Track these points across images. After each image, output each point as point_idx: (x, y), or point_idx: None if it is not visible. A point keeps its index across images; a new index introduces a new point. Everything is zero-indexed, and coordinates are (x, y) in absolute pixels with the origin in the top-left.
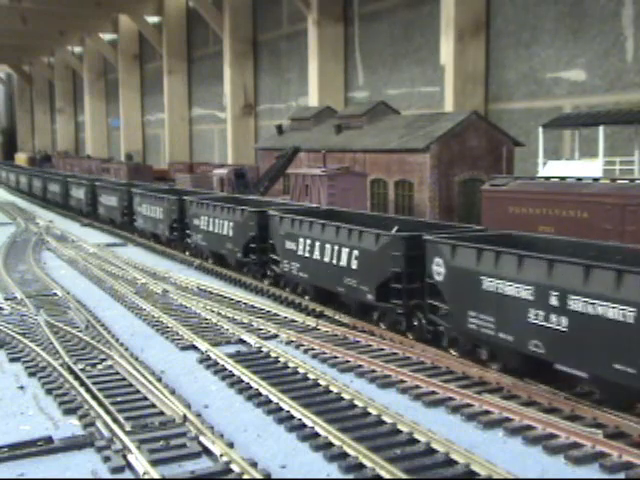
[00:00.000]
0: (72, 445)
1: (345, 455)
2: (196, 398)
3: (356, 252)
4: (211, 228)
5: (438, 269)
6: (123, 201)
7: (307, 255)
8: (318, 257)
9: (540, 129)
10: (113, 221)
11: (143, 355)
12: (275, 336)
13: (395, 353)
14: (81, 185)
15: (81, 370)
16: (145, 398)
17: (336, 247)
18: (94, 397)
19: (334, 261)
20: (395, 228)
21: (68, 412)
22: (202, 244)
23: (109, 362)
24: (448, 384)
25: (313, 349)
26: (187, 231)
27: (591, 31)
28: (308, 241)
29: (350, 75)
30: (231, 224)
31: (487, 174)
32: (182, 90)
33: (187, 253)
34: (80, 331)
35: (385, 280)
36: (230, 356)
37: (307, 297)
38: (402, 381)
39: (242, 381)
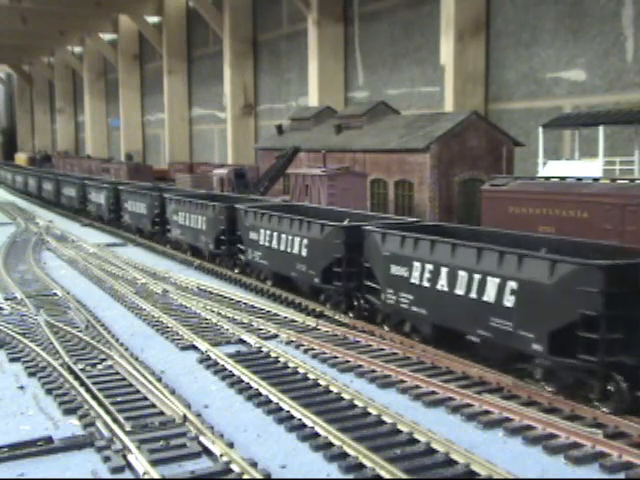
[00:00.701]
0: (72, 445)
1: (345, 455)
2: (196, 398)
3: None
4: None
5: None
6: (153, 208)
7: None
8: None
9: (540, 129)
10: (140, 230)
11: (143, 355)
12: (275, 336)
13: (395, 353)
14: (101, 189)
15: (81, 370)
16: (145, 398)
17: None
18: (94, 397)
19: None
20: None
21: (68, 412)
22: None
23: (109, 362)
24: (448, 384)
25: (313, 349)
26: (239, 247)
27: (591, 31)
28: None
29: (350, 75)
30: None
31: (487, 174)
32: (182, 90)
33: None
34: (80, 331)
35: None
36: (230, 356)
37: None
38: (402, 381)
39: (242, 381)
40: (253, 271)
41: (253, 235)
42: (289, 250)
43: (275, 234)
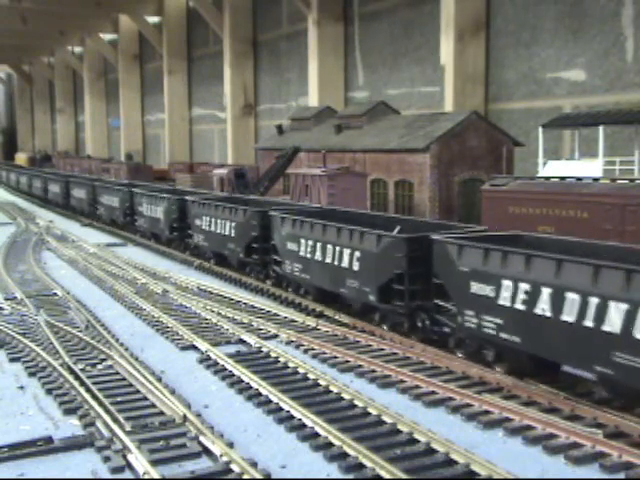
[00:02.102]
0: (72, 445)
1: (345, 455)
2: (196, 398)
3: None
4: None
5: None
6: (171, 213)
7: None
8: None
9: (540, 129)
10: (157, 237)
11: (143, 355)
12: (275, 336)
13: (395, 353)
14: (113, 191)
15: (81, 370)
16: (145, 398)
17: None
18: (94, 397)
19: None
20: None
21: (68, 412)
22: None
23: (109, 362)
24: (448, 384)
25: (313, 349)
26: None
27: (591, 31)
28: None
29: (350, 75)
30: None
31: (487, 174)
32: (182, 90)
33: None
34: (80, 331)
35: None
36: (230, 356)
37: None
38: (402, 381)
39: (242, 381)
40: (290, 284)
41: (291, 245)
42: (337, 263)
43: (319, 245)
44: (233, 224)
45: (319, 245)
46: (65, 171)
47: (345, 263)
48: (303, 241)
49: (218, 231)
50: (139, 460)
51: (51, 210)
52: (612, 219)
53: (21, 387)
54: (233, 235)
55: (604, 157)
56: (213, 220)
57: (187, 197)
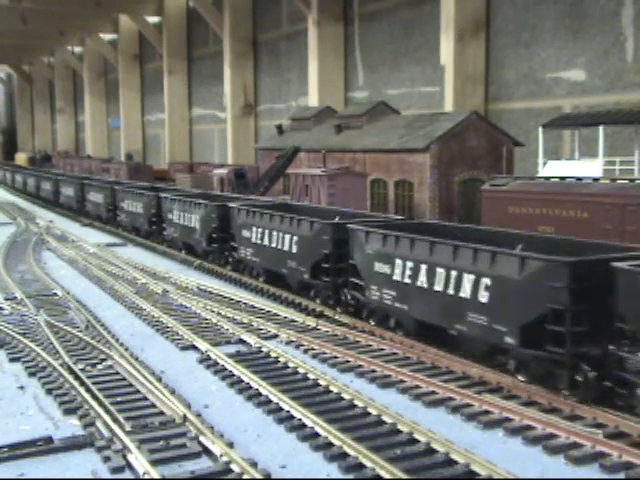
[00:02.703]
0: (72, 445)
1: (345, 455)
2: (196, 398)
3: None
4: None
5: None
6: (211, 222)
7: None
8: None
9: (540, 129)
10: (191, 248)
11: (143, 355)
12: (275, 336)
13: (395, 353)
14: (136, 196)
15: (81, 370)
16: (145, 398)
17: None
18: (94, 397)
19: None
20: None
21: (68, 412)
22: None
23: (109, 362)
24: (448, 384)
25: (313, 349)
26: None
27: (591, 31)
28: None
29: (350, 75)
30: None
31: (487, 174)
32: (182, 90)
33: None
34: (80, 331)
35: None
36: (230, 356)
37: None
38: (402, 381)
39: (242, 381)
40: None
41: (382, 267)
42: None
43: (424, 267)
44: (295, 238)
45: (424, 267)
46: (65, 171)
47: (467, 293)
48: (399, 261)
49: (273, 245)
50: (139, 460)
51: (51, 210)
52: (612, 219)
53: (21, 387)
54: (295, 251)
55: (604, 157)
56: (267, 232)
57: (230, 204)
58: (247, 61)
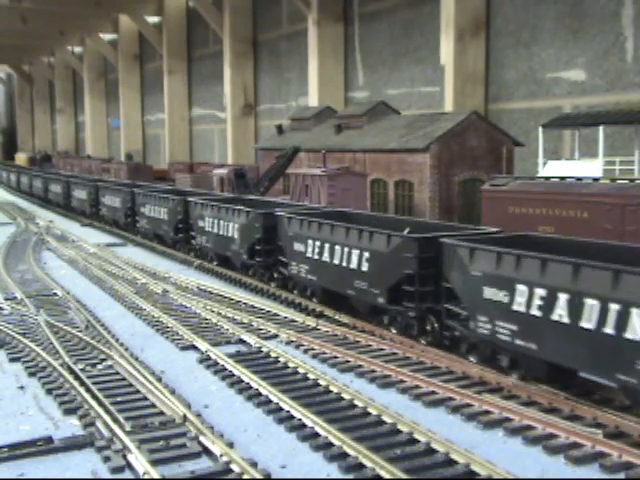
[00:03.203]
0: (72, 445)
1: (345, 455)
2: (196, 398)
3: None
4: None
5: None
6: (253, 232)
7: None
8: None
9: (540, 129)
10: (227, 259)
11: (143, 355)
12: (275, 336)
13: (395, 353)
14: (160, 201)
15: (81, 370)
16: (145, 398)
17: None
18: (94, 397)
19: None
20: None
21: (68, 412)
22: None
23: (109, 362)
24: (448, 384)
25: (313, 349)
26: None
27: (591, 31)
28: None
29: (350, 75)
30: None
31: (487, 174)
32: (182, 90)
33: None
34: (80, 331)
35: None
36: (230, 356)
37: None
38: (402, 381)
39: (242, 381)
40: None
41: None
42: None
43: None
44: (365, 255)
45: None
46: (68, 172)
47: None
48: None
49: (335, 262)
50: (139, 460)
51: (52, 210)
52: (612, 219)
53: (21, 387)
54: (365, 270)
55: (604, 157)
56: (327, 246)
57: (278, 212)
58: (247, 61)
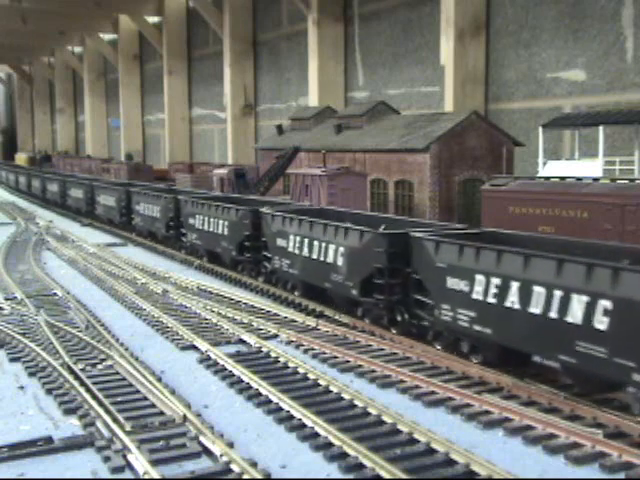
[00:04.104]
0: (72, 445)
1: (345, 455)
2: (196, 398)
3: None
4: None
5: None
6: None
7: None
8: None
9: (540, 129)
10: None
11: (143, 355)
12: (275, 336)
13: (395, 353)
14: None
15: (81, 370)
16: (145, 398)
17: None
18: (94, 397)
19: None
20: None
21: (68, 412)
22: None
23: (109, 362)
24: (448, 384)
25: (313, 349)
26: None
27: (591, 31)
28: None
29: (350, 75)
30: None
31: (487, 174)
32: (182, 90)
33: None
34: (80, 331)
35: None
36: (230, 356)
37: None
38: (402, 381)
39: (242, 381)
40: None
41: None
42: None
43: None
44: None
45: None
46: (67, 172)
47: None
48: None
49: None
50: (139, 460)
51: (51, 210)
52: (612, 219)
53: (21, 387)
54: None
55: (604, 157)
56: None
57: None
58: (247, 61)
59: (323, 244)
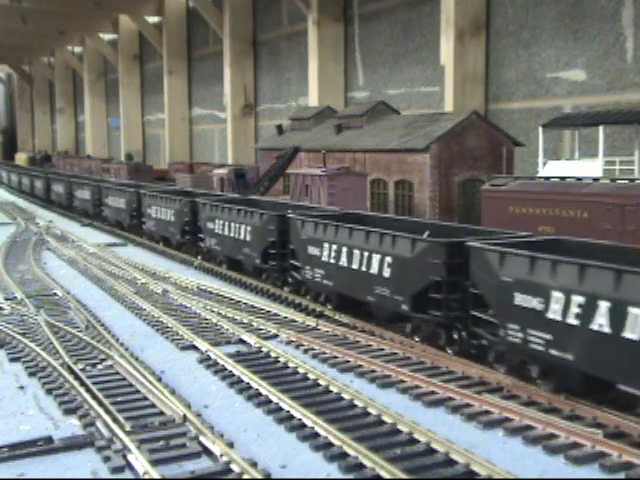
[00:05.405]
0: (72, 445)
1: (345, 455)
2: (196, 398)
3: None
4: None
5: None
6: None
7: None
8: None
9: (540, 129)
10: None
11: (143, 355)
12: (275, 336)
13: (395, 353)
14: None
15: (81, 370)
16: (145, 398)
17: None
18: (94, 397)
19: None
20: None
21: (68, 412)
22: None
23: (109, 362)
24: (448, 384)
25: (313, 349)
26: None
27: (591, 31)
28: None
29: (350, 75)
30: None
31: (487, 174)
32: (182, 90)
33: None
34: (80, 331)
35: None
36: (230, 356)
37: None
38: (402, 381)
39: (242, 381)
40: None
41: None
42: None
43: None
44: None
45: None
46: (68, 172)
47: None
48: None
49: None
50: (139, 460)
51: (52, 210)
52: (612, 219)
53: (21, 387)
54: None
55: (604, 157)
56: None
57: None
58: (247, 61)
59: (365, 253)
